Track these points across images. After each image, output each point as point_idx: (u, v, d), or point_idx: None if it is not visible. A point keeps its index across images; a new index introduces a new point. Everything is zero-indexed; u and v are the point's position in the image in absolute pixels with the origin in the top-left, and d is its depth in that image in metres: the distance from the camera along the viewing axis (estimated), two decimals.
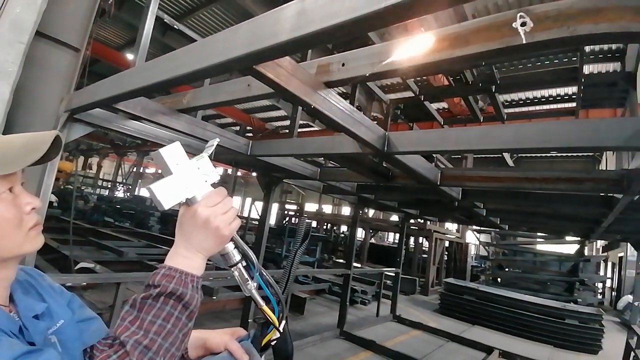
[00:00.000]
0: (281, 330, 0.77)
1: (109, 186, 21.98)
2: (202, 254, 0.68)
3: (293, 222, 13.72)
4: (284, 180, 4.36)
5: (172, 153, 0.66)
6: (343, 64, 1.56)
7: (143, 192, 25.86)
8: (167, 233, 10.86)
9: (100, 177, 22.73)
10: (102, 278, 3.74)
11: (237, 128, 13.98)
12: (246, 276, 0.73)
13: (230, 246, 0.72)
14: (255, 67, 1.27)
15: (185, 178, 0.65)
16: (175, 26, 3.61)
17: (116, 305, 3.00)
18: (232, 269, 0.73)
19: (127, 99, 1.93)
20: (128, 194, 20.81)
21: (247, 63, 1.23)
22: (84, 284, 4.37)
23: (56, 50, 2.18)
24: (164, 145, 0.66)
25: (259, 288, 0.74)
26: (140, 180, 22.79)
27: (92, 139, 18.38)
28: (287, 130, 3.54)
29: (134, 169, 22.33)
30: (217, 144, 0.75)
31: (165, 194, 0.62)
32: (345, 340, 5.42)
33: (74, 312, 0.70)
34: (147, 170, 26.16)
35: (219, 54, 1.24)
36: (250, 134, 13.46)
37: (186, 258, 0.66)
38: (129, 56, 7.86)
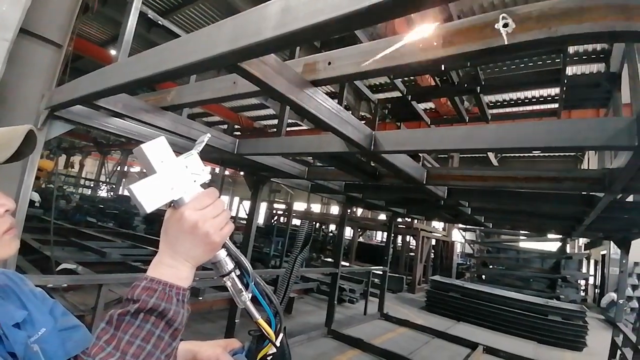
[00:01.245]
0: (278, 345, 0.71)
1: (92, 185, 21.44)
2: (190, 262, 0.60)
3: (281, 221, 13.68)
4: (272, 180, 4.34)
5: (156, 149, 0.59)
6: (329, 63, 1.55)
7: (127, 192, 25.44)
8: (152, 233, 10.67)
9: (83, 176, 22.15)
10: (84, 279, 3.66)
11: (225, 126, 13.84)
12: (240, 286, 0.66)
13: (222, 253, 0.65)
14: (240, 64, 1.26)
15: (170, 177, 0.58)
16: (159, 22, 3.54)
17: (98, 307, 2.94)
18: (225, 278, 0.66)
19: (108, 95, 1.89)
20: (111, 193, 20.34)
21: (232, 60, 1.22)
22: (65, 285, 4.27)
23: (38, 47, 2.14)
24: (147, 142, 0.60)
25: (254, 299, 0.68)
26: (124, 180, 22.32)
27: (75, 137, 17.92)
28: (276, 129, 3.52)
29: (118, 168, 21.86)
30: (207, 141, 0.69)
31: (148, 195, 0.55)
32: (333, 339, 5.43)
33: (56, 320, 0.67)
34: (131, 169, 25.63)
35: (203, 50, 1.22)
36: (239, 132, 13.35)
37: (171, 267, 0.59)
38: (112, 52, 7.68)
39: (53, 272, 4.22)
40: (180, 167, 0.61)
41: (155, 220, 12.45)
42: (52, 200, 4.38)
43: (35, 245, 6.14)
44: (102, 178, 22.08)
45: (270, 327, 0.70)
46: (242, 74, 1.32)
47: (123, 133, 2.50)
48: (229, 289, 0.67)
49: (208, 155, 3.37)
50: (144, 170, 0.60)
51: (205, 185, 0.64)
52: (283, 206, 14.61)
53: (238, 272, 0.67)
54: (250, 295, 0.67)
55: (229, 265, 0.66)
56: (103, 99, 1.94)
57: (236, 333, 3.95)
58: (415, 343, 5.90)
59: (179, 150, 0.60)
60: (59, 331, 0.65)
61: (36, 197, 11.28)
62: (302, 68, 1.63)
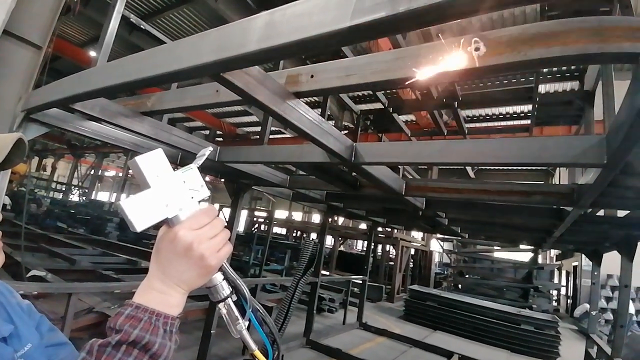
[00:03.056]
0: None
1: (64, 189, 20.54)
2: (182, 288, 0.55)
3: (262, 229, 13.52)
4: (253, 187, 4.31)
5: (152, 162, 0.55)
6: (312, 76, 1.59)
7: (100, 196, 24.39)
8: (125, 240, 10.30)
9: (55, 179, 21.20)
10: (54, 288, 3.51)
11: (207, 132, 13.66)
12: (236, 314, 0.61)
13: (218, 278, 0.60)
14: (223, 74, 1.27)
15: (166, 193, 0.54)
16: (142, 26, 3.49)
17: (67, 317, 2.84)
18: (220, 305, 0.61)
19: (86, 99, 1.85)
20: (84, 198, 19.52)
21: (215, 70, 1.23)
22: (35, 292, 4.10)
23: (18, 48, 2.10)
24: (140, 153, 0.56)
25: (250, 326, 0.63)
26: (98, 184, 21.50)
27: (48, 139, 17.22)
28: (258, 137, 3.52)
29: (92, 172, 21.04)
30: (202, 155, 0.65)
31: (139, 212, 0.51)
32: (311, 349, 5.38)
33: (42, 336, 0.64)
34: (106, 173, 24.76)
35: (186, 59, 1.22)
36: (221, 139, 13.21)
37: (161, 293, 0.54)
38: (92, 53, 7.51)
39: (24, 278, 4.02)
40: (177, 182, 0.57)
41: (128, 227, 12.02)
42: (23, 203, 4.18)
43: (7, 250, 5.81)
44: (75, 182, 21.18)
45: (267, 359, 0.64)
46: (225, 84, 1.33)
47: (99, 137, 2.44)
48: (223, 316, 0.61)
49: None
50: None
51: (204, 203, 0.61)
52: (264, 214, 14.49)
53: (235, 298, 0.62)
54: (247, 323, 0.62)
55: (226, 290, 0.61)
56: (80, 103, 1.89)
57: (212, 344, 3.85)
58: (393, 352, 5.92)
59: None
60: (45, 347, 0.63)
61: (7, 200, 10.73)
62: (285, 79, 1.65)
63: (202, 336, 3.90)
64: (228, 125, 12.75)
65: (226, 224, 0.59)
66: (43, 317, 0.69)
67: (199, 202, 0.59)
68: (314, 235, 16.11)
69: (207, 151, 0.65)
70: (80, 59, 7.71)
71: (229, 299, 0.61)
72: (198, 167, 0.62)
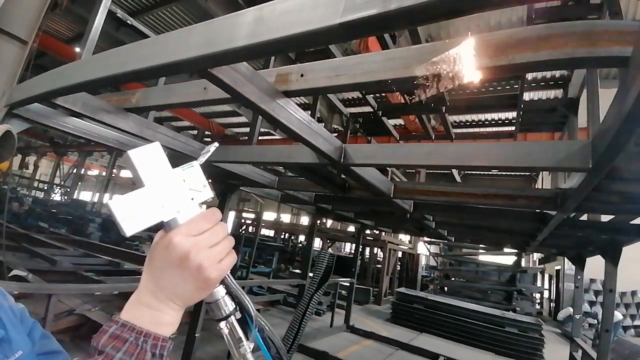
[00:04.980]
0: None
1: (45, 188, 19.94)
2: (176, 303, 0.49)
3: (250, 230, 13.40)
4: (241, 188, 4.26)
5: (147, 157, 0.49)
6: (302, 75, 1.57)
7: (83, 196, 23.77)
8: (108, 241, 10.05)
9: (37, 177, 20.56)
10: (34, 288, 3.41)
11: (195, 132, 13.49)
12: (240, 334, 0.53)
13: (219, 292, 0.53)
14: (211, 70, 1.24)
15: (162, 193, 0.48)
16: (128, 21, 3.42)
17: (48, 319, 2.79)
18: (221, 324, 0.53)
19: (68, 93, 1.79)
20: (66, 197, 18.99)
21: (202, 65, 1.20)
22: (16, 292, 3.99)
23: (3, 43, 2.05)
24: (131, 148, 0.49)
25: (256, 348, 0.55)
26: (80, 183, 20.93)
27: (31, 136, 16.73)
28: (247, 137, 3.48)
29: (74, 170, 20.47)
30: (206, 153, 0.58)
31: (130, 213, 0.45)
32: (297, 352, 5.32)
33: (34, 343, 0.59)
34: (88, 172, 24.14)
35: (172, 53, 1.19)
36: (209, 139, 13.06)
37: (152, 309, 0.47)
38: (77, 49, 7.35)
39: (5, 278, 3.90)
40: (176, 181, 0.51)
41: (112, 227, 11.74)
42: (4, 202, 4.04)
43: None
44: (57, 180, 20.57)
45: None
46: (212, 80, 1.30)
47: (81, 134, 2.37)
48: (224, 337, 0.53)
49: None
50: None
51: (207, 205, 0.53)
52: (252, 215, 14.36)
53: (239, 315, 0.54)
54: (252, 345, 0.54)
55: (229, 306, 0.53)
56: (62, 98, 1.84)
57: (196, 349, 3.77)
58: (380, 355, 5.92)
59: None
60: (37, 355, 0.58)
61: None
62: (275, 78, 1.63)
63: (186, 339, 3.81)
64: (217, 126, 12.62)
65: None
66: (36, 322, 0.64)
67: (201, 204, 0.53)
68: (302, 237, 16.06)
69: (212, 147, 0.59)
70: (65, 55, 7.52)
71: (232, 317, 0.54)
72: (201, 165, 0.55)
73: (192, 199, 0.52)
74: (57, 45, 7.81)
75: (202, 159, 0.56)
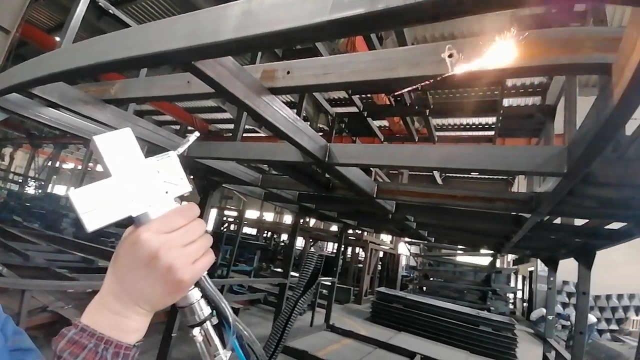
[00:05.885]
0: None
1: (20, 181, 19.07)
2: (143, 308, 0.44)
3: (232, 228, 13.23)
4: (223, 185, 4.19)
5: (116, 144, 0.43)
6: (288, 72, 1.56)
7: (57, 190, 22.88)
8: (82, 237, 9.71)
9: (12, 170, 19.63)
10: (9, 283, 3.32)
11: (178, 127, 13.19)
12: (216, 342, 0.48)
13: (193, 295, 0.48)
14: (195, 63, 1.21)
15: (132, 184, 0.43)
16: (110, 11, 3.31)
17: (21, 315, 2.74)
18: (194, 330, 0.48)
19: (47, 83, 1.72)
20: (39, 190, 18.23)
21: (186, 58, 1.17)
22: None
23: None
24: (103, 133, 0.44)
25: (234, 357, 0.51)
26: (54, 176, 20.10)
27: (7, 127, 15.98)
28: (232, 134, 3.44)
29: (49, 163, 19.65)
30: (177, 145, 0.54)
31: (93, 206, 0.40)
32: None
33: (6, 338, 0.56)
34: (64, 165, 23.21)
35: (156, 43, 1.16)
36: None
37: (115, 314, 0.43)
38: (58, 39, 7.10)
39: None
40: (149, 172, 0.46)
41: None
42: None
43: None
44: (31, 173, 19.70)
45: None
46: (196, 74, 1.27)
47: (57, 125, 2.27)
48: (198, 345, 0.48)
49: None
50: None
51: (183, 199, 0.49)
52: (234, 213, 14.18)
53: (215, 321, 0.49)
54: (229, 354, 0.50)
55: (204, 311, 0.48)
56: (39, 87, 1.76)
57: (172, 347, 3.69)
58: (359, 354, 5.98)
59: None
60: (9, 351, 0.55)
61: None
62: (261, 74, 1.62)
63: (162, 339, 3.72)
64: (200, 121, 12.39)
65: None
66: (9, 318, 0.60)
67: (177, 199, 0.48)
68: (285, 236, 15.99)
69: (192, 137, 0.55)
70: (46, 45, 7.25)
71: (207, 323, 0.48)
72: (179, 156, 0.50)
73: (167, 192, 0.47)
74: (38, 34, 7.54)
75: (181, 149, 0.52)
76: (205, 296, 0.49)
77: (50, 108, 2.17)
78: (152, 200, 0.45)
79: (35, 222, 11.79)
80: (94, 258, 7.11)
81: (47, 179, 19.11)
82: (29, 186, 18.77)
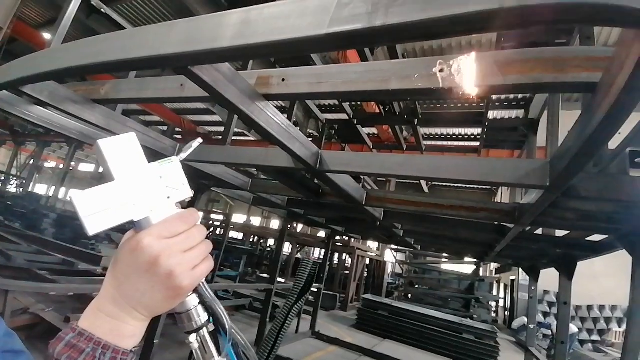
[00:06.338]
0: None
1: (2, 179, 18.41)
2: (141, 313, 0.44)
3: (217, 232, 13.06)
4: (212, 189, 4.16)
5: (120, 148, 0.44)
6: (283, 79, 1.58)
7: (38, 189, 22.18)
8: (62, 239, 9.42)
9: None
10: None
11: (165, 128, 13.00)
12: (212, 349, 0.48)
13: (191, 301, 0.48)
14: (191, 68, 1.22)
15: (134, 189, 0.44)
16: (102, 10, 3.27)
17: (5, 315, 2.74)
18: (191, 336, 0.48)
19: (37, 81, 1.70)
20: (21, 189, 17.66)
21: (182, 62, 1.18)
22: None
23: None
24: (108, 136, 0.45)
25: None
26: (36, 175, 19.48)
27: None
28: (221, 137, 3.42)
29: (32, 161, 19.06)
30: (194, 147, 0.55)
31: (96, 209, 0.40)
32: None
33: None
34: (45, 164, 22.53)
35: (151, 47, 1.16)
36: (179, 136, 12.65)
37: (113, 319, 0.43)
38: (46, 35, 6.96)
39: None
40: (152, 177, 0.46)
41: (67, 224, 11.02)
42: None
43: None
44: (14, 171, 19.06)
45: None
46: (193, 79, 1.28)
47: (44, 123, 2.23)
48: (194, 352, 0.48)
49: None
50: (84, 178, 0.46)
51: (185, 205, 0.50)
52: (221, 217, 14.01)
53: (211, 328, 0.49)
54: None
55: (201, 317, 0.48)
56: (29, 86, 1.73)
57: (154, 355, 3.60)
58: None
59: None
60: (2, 352, 0.54)
61: None
62: (256, 81, 1.63)
63: (144, 345, 3.63)
64: (188, 123, 12.25)
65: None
66: (0, 320, 0.60)
67: (177, 204, 0.49)
68: (272, 242, 15.84)
69: (195, 143, 0.55)
70: (36, 42, 7.11)
71: (204, 329, 0.48)
72: (182, 161, 0.51)
73: (169, 197, 0.47)
74: (28, 31, 7.40)
75: (184, 155, 0.53)
76: (203, 302, 0.49)
77: (37, 106, 2.13)
78: (153, 205, 0.45)
79: (17, 221, 11.41)
80: (74, 260, 6.90)
81: (28, 177, 18.54)
82: (11, 184, 18.16)
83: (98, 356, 0.40)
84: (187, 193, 0.50)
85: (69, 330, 0.42)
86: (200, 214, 0.52)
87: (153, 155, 2.79)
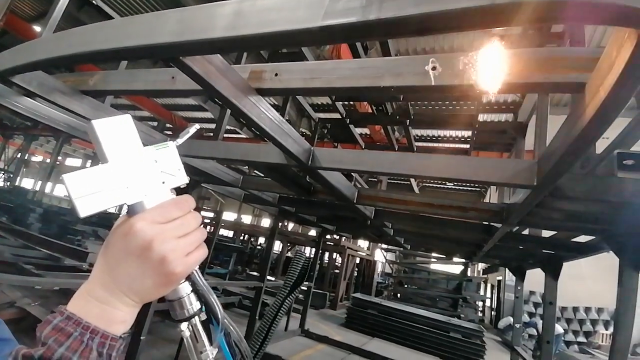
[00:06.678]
0: None
1: None
2: (132, 299, 0.43)
3: (208, 230, 12.94)
4: (202, 185, 4.12)
5: (114, 130, 0.43)
6: (276, 74, 1.57)
7: (25, 183, 21.74)
8: (48, 234, 9.23)
9: None
10: None
11: (155, 124, 12.84)
12: (203, 338, 0.48)
13: (184, 289, 0.47)
14: (183, 59, 1.20)
15: (128, 172, 0.43)
16: (94, 1, 3.21)
17: None
18: (182, 325, 0.47)
19: (29, 70, 1.67)
20: (8, 183, 17.25)
21: (173, 53, 1.16)
22: None
23: None
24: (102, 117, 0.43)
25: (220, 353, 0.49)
26: (24, 169, 19.05)
27: None
28: (212, 134, 3.39)
29: (19, 155, 18.62)
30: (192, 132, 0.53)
31: (87, 191, 0.39)
32: None
33: None
34: (33, 158, 22.04)
35: (143, 36, 1.14)
36: (170, 132, 12.50)
37: (102, 303, 0.42)
38: (37, 28, 6.84)
39: None
40: (147, 161, 0.45)
41: (53, 219, 10.80)
42: None
43: None
44: (1, 165, 18.60)
45: None
46: (184, 70, 1.26)
47: (32, 115, 2.19)
48: (185, 340, 0.47)
49: None
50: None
51: (179, 191, 0.48)
52: (211, 214, 13.89)
53: (204, 317, 0.48)
54: (215, 351, 0.48)
55: (193, 306, 0.47)
56: (19, 75, 1.69)
57: (140, 352, 3.55)
58: (332, 359, 5.98)
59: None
60: None
61: None
62: (248, 75, 1.62)
63: (130, 341, 3.58)
64: (179, 119, 12.11)
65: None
66: None
67: (172, 190, 0.48)
68: (262, 240, 15.78)
69: (192, 129, 0.54)
70: (28, 35, 7.00)
71: (196, 318, 0.48)
72: (178, 146, 0.50)
73: (164, 182, 0.46)
74: (18, 23, 7.26)
75: (181, 140, 0.51)
76: (196, 290, 0.48)
77: (26, 97, 2.09)
78: (148, 190, 0.44)
79: (3, 215, 11.17)
80: (60, 256, 6.79)
81: (16, 171, 18.12)
82: None
83: (86, 340, 0.39)
84: (183, 179, 0.50)
85: (57, 314, 0.41)
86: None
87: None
